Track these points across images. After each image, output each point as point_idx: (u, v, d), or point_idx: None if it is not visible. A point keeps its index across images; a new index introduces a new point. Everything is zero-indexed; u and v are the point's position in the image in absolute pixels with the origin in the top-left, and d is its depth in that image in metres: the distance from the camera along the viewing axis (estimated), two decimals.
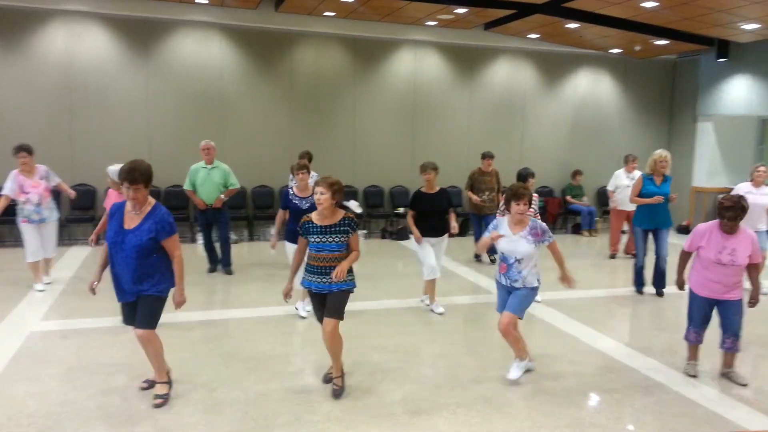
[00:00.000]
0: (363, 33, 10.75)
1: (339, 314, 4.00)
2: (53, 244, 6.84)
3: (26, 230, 6.56)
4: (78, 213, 9.42)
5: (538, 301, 6.51)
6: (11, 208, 6.64)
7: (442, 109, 11.45)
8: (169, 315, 4.90)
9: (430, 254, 6.08)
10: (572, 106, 12.29)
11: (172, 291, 3.96)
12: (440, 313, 6.13)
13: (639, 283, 7.18)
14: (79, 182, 9.35)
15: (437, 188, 6.15)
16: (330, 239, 3.94)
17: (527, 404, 4.09)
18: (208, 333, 5.41)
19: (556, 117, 12.23)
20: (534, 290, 4.45)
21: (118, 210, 3.83)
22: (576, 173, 11.92)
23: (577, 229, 11.87)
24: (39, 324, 5.55)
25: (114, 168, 5.31)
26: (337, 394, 4.08)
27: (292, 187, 6.00)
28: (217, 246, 7.75)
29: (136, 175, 3.65)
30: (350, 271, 4.07)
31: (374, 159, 11.04)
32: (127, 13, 9.48)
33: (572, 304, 6.61)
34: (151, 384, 4.09)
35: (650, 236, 6.98)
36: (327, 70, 10.70)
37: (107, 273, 3.95)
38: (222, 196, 7.43)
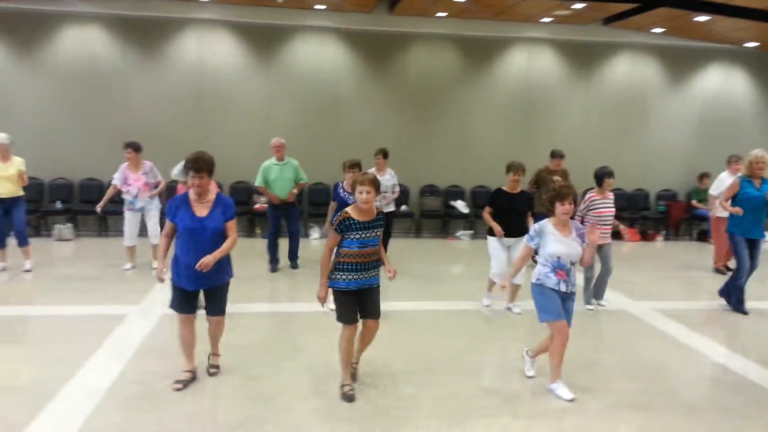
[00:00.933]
0: (475, 32, 10.69)
1: (379, 312, 4.13)
2: (157, 232, 7.42)
3: (126, 217, 7.46)
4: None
5: (600, 306, 6.38)
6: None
7: (557, 108, 11.12)
8: (238, 306, 5.22)
9: (501, 257, 6.05)
10: (699, 105, 11.45)
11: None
12: (518, 314, 6.09)
13: (740, 301, 6.39)
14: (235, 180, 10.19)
15: (519, 189, 6.09)
16: (372, 234, 3.99)
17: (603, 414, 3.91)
18: (272, 324, 5.73)
19: (681, 116, 11.45)
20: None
21: (183, 201, 4.06)
22: (703, 176, 11.08)
23: (703, 236, 11.05)
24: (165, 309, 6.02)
25: (175, 169, 5.76)
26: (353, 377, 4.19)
27: (342, 182, 6.32)
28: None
29: (201, 164, 3.95)
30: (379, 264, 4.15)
31: (483, 159, 10.94)
32: (252, 21, 10.11)
33: (692, 316, 6.19)
34: (215, 367, 4.40)
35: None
36: (438, 70, 10.77)
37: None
38: (294, 191, 7.75)
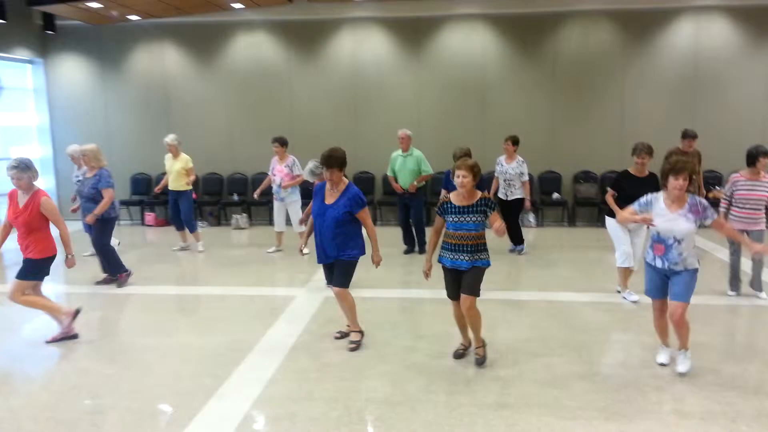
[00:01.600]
0: (635, 5, 10.04)
1: (474, 291, 4.23)
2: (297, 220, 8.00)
3: (275, 206, 8.22)
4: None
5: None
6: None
7: (730, 81, 10.09)
8: (372, 291, 5.45)
9: (625, 240, 5.80)
10: None
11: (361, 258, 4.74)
12: (634, 302, 5.83)
13: None
14: (360, 170, 10.69)
15: (647, 172, 5.77)
16: (467, 219, 4.15)
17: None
18: (401, 307, 5.93)
19: None
20: (695, 272, 4.02)
21: (321, 189, 4.73)
22: None
23: None
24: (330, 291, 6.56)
25: (306, 170, 6.32)
26: (480, 362, 4.38)
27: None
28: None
29: (332, 161, 4.52)
30: (485, 249, 4.24)
31: (645, 139, 10.22)
32: (403, 15, 10.41)
33: None
34: (343, 334, 4.96)
35: None
36: (594, 49, 10.29)
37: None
38: (415, 182, 7.91)
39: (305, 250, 5.78)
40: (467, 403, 3.82)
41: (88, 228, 6.97)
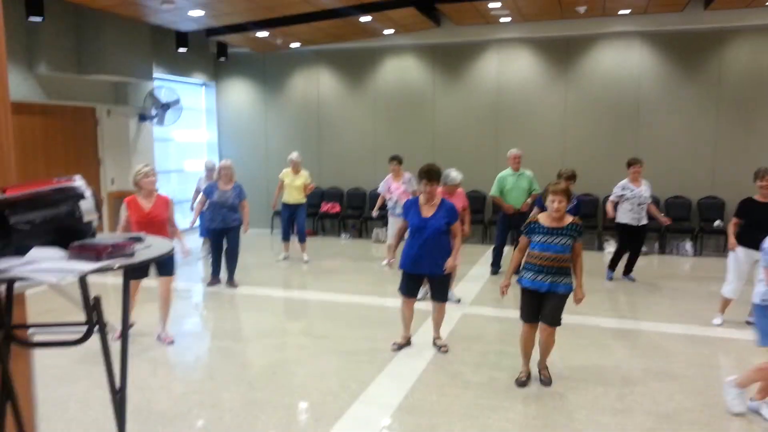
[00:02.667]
0: None
1: (555, 321, 4.24)
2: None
3: (390, 221, 8.29)
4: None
5: None
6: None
7: None
8: (576, 317, 5.29)
9: (742, 272, 5.56)
10: None
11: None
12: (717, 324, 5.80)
13: None
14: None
15: None
16: (555, 240, 4.15)
17: None
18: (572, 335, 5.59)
19: None
20: None
21: (413, 204, 5.02)
22: None
23: None
24: (470, 308, 6.63)
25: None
26: (548, 383, 4.42)
27: None
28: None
29: (432, 175, 4.89)
30: (568, 273, 4.22)
31: None
32: (551, 35, 10.27)
33: None
34: (400, 346, 5.20)
35: None
36: (765, 65, 9.41)
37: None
38: (528, 201, 7.87)
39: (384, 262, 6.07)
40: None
41: (206, 232, 7.97)
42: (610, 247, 9.50)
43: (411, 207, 5.02)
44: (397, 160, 8.25)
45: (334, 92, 11.68)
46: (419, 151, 11.08)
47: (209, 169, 8.98)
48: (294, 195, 8.91)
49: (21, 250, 1.72)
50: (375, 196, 11.33)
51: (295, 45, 11.25)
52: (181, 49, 10.51)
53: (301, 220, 9.01)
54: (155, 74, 10.30)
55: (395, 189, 8.21)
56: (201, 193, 7.58)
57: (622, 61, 10.07)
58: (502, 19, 10.07)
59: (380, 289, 7.50)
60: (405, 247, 5.08)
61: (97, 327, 1.85)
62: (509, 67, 10.66)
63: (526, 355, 4.48)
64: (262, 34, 10.14)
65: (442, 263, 4.93)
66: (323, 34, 10.41)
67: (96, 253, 1.71)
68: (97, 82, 9.34)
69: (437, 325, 5.23)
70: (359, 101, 11.54)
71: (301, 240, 9.06)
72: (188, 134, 12.01)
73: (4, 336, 1.85)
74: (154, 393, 4.37)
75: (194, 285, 7.77)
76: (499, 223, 8.29)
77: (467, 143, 10.82)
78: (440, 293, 5.14)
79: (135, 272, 5.29)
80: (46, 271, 1.56)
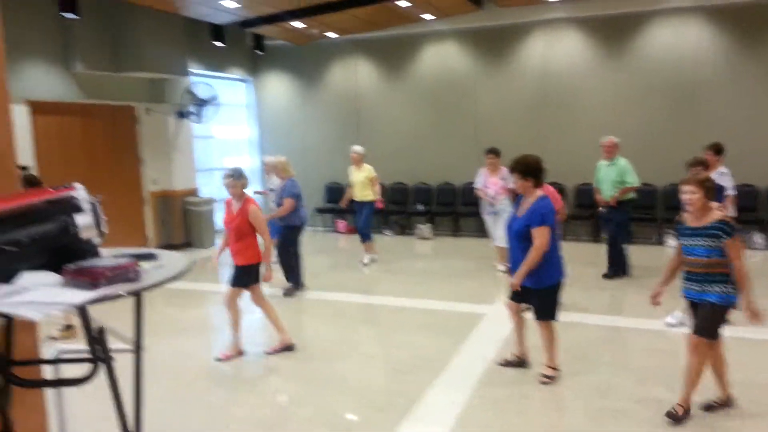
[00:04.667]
0: None
1: (704, 331, 3.56)
2: (502, 234, 7.52)
3: (488, 220, 7.69)
4: (581, 211, 10.09)
5: None
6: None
7: None
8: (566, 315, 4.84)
9: None
10: None
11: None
12: None
13: None
14: (547, 181, 10.10)
15: None
16: (696, 242, 3.57)
17: None
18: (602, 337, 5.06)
19: None
20: None
21: (518, 200, 4.42)
22: None
23: None
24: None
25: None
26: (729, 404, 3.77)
27: None
28: None
29: (519, 167, 4.25)
30: (722, 281, 3.53)
31: None
32: (601, 13, 9.66)
33: None
34: (509, 362, 4.60)
35: None
36: None
37: None
38: (615, 194, 7.10)
39: (501, 267, 5.50)
40: None
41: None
42: (673, 242, 8.89)
43: (516, 202, 4.47)
44: (494, 152, 7.59)
45: (372, 82, 11.34)
46: (460, 141, 10.67)
47: (267, 167, 8.13)
48: (358, 191, 8.42)
49: (8, 275, 1.45)
50: (418, 190, 11.07)
51: (331, 35, 10.95)
52: (217, 43, 10.35)
53: (363, 219, 8.46)
54: (192, 70, 10.17)
55: (492, 184, 7.57)
56: (290, 194, 6.92)
57: (680, 39, 9.37)
58: None
59: (430, 290, 7.14)
60: None
61: (103, 361, 1.58)
62: (556, 50, 10.09)
63: (690, 381, 3.63)
64: (298, 24, 9.87)
65: (536, 274, 4.14)
66: (360, 22, 10.07)
67: (92, 278, 1.43)
68: (134, 80, 9.25)
69: (544, 347, 4.37)
70: (398, 91, 11.17)
71: (362, 239, 8.55)
72: (229, 131, 11.88)
73: (4, 380, 1.59)
74: (191, 407, 4.15)
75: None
76: (601, 218, 7.71)
77: (511, 131, 10.30)
78: (539, 309, 4.28)
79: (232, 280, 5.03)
80: (28, 303, 1.29)
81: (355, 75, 11.43)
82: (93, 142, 8.73)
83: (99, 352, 1.54)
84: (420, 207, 10.90)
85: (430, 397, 4.14)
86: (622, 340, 5.36)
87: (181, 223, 10.06)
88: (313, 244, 10.09)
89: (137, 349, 1.75)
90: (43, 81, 7.88)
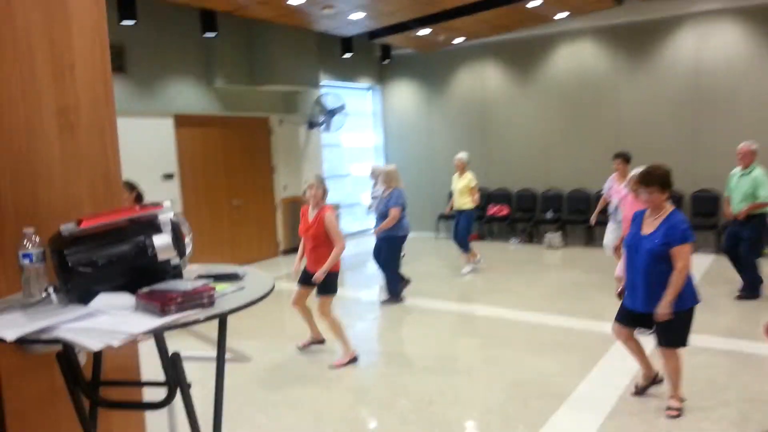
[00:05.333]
0: None
1: None
2: (609, 244, 6.94)
3: (608, 228, 6.98)
4: (701, 219, 9.09)
5: None
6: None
7: None
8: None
9: None
10: None
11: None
12: None
13: None
14: (699, 188, 9.11)
15: None
16: None
17: None
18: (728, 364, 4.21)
19: None
20: None
21: (639, 216, 3.91)
22: None
23: None
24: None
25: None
26: None
27: None
28: None
29: (649, 178, 3.75)
30: None
31: None
32: (764, 1, 8.53)
33: None
34: (641, 389, 4.17)
35: None
36: None
37: None
38: (743, 208, 6.21)
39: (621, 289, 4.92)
40: None
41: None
42: None
43: (636, 218, 3.94)
44: (622, 157, 6.93)
45: (500, 87, 10.95)
46: (595, 145, 9.95)
47: (373, 174, 8.28)
48: (458, 199, 8.25)
49: (86, 297, 1.44)
50: (547, 197, 10.50)
51: (458, 41, 10.73)
52: (347, 55, 10.57)
53: (461, 228, 8.22)
54: (322, 81, 10.47)
55: (616, 192, 6.88)
56: (395, 204, 6.84)
57: None
58: None
59: (558, 305, 6.67)
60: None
61: (179, 389, 1.52)
62: (710, 45, 9.05)
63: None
64: (424, 31, 9.78)
65: (661, 296, 3.67)
66: (487, 26, 9.75)
67: (161, 303, 1.37)
68: (269, 93, 9.70)
69: (668, 378, 3.96)
70: (528, 95, 10.67)
71: (463, 248, 8.32)
72: (356, 139, 12.10)
73: (90, 403, 1.60)
74: (291, 411, 4.15)
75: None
76: (727, 231, 6.78)
77: (658, 137, 9.40)
78: (666, 336, 3.78)
79: (300, 279, 5.17)
80: (89, 330, 1.25)
81: (482, 80, 11.11)
82: (231, 152, 9.27)
83: (173, 378, 1.47)
84: (549, 214, 10.32)
85: (552, 428, 3.78)
86: (757, 367, 4.62)
87: None
88: (433, 251, 9.94)
89: (219, 375, 1.67)
90: (187, 96, 8.49)
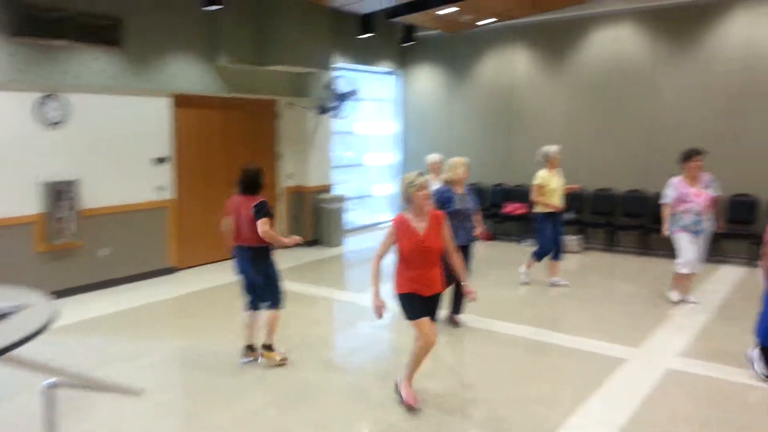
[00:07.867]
0: None
1: None
2: (702, 258, 6.27)
3: (684, 239, 6.09)
4: (734, 227, 8.17)
5: None
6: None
7: None
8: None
9: None
10: None
11: None
12: None
13: None
14: (737, 192, 8.24)
15: None
16: None
17: None
18: None
19: None
20: None
21: None
22: None
23: None
24: (675, 360, 4.84)
25: None
26: None
27: None
28: None
29: None
30: None
31: None
32: None
33: None
34: None
35: None
36: None
37: None
38: None
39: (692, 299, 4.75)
40: None
41: None
42: None
43: None
44: (699, 153, 6.05)
45: (530, 73, 10.12)
46: (628, 139, 9.12)
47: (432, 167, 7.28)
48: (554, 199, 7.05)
49: None
50: (568, 197, 9.52)
51: (487, 21, 9.90)
52: (365, 35, 9.95)
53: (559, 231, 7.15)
54: (339, 63, 9.87)
55: (695, 196, 6.00)
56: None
57: None
58: None
59: (567, 321, 6.00)
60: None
61: None
62: (762, 30, 8.11)
63: None
64: (449, 10, 9.00)
65: None
66: (519, 5, 8.88)
67: None
68: (276, 73, 9.12)
69: None
70: (558, 85, 9.84)
71: (536, 257, 7.24)
72: (372, 126, 11.48)
73: None
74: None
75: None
76: None
77: (701, 132, 8.43)
78: None
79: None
80: None
81: (511, 65, 10.31)
82: (232, 136, 8.72)
83: None
84: (568, 215, 9.44)
85: None
86: None
87: (312, 219, 9.86)
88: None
89: None
90: (187, 75, 7.98)
